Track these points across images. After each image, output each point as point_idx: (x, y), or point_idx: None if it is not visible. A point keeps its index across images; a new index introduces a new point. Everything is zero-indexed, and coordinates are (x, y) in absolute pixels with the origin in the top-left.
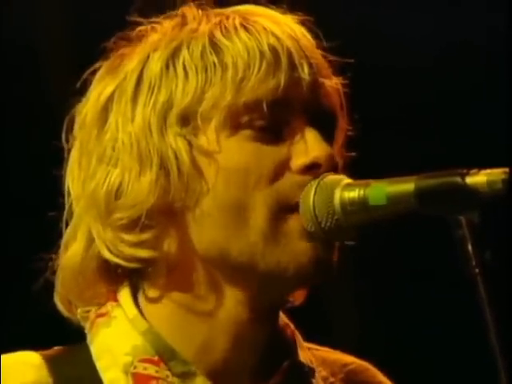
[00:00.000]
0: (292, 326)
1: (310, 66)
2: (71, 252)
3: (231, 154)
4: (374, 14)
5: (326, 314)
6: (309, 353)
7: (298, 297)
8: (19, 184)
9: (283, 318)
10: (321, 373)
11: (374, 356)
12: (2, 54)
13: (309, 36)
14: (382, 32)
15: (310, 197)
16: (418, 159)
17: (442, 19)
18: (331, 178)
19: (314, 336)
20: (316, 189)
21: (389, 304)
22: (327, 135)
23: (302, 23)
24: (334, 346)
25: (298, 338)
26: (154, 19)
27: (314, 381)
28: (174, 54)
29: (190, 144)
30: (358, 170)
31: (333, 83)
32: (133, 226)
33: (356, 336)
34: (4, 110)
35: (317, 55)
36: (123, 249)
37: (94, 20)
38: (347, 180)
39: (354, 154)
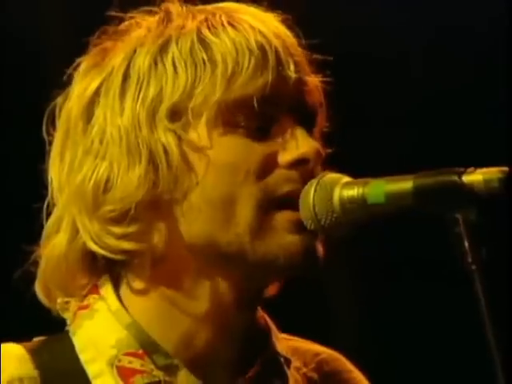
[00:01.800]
0: (266, 316)
1: (295, 63)
2: (56, 242)
3: (221, 149)
4: (367, 5)
5: (325, 312)
6: (283, 343)
7: (272, 289)
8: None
9: (258, 310)
10: (294, 363)
11: (373, 353)
12: (3, 53)
13: (291, 34)
14: (376, 24)
15: (309, 195)
16: (415, 156)
17: (439, 9)
18: (331, 176)
19: (313, 333)
20: (316, 187)
21: (388, 301)
22: (307, 131)
23: (283, 22)
24: (333, 343)
25: (273, 328)
26: (134, 14)
27: (288, 371)
28: (163, 50)
29: (179, 138)
30: (352, 167)
31: (314, 81)
32: (120, 218)
33: (355, 334)
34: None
35: (299, 53)
36: (109, 241)
37: (98, 19)
38: (346, 178)
39: (331, 149)
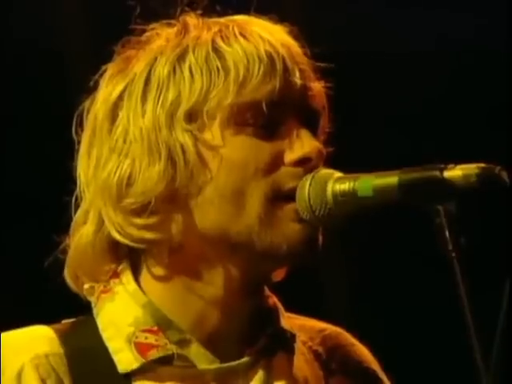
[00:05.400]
0: (274, 297)
1: (301, 71)
2: (83, 232)
3: (233, 148)
4: (374, 10)
5: (317, 290)
6: (289, 320)
7: (279, 274)
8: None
9: (266, 291)
10: (300, 337)
11: (363, 330)
12: (25, 55)
13: (296, 44)
14: (380, 27)
15: (305, 188)
16: (415, 156)
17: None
18: (325, 171)
19: (306, 310)
20: (311, 181)
21: (378, 282)
22: (311, 132)
23: (289, 33)
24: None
25: (280, 307)
26: (155, 25)
27: (295, 344)
28: (180, 58)
29: (195, 138)
30: (352, 163)
31: (318, 86)
32: (141, 211)
33: (346, 312)
34: (25, 110)
35: (304, 61)
36: (132, 231)
37: (119, 20)
38: (339, 174)
39: (332, 149)
